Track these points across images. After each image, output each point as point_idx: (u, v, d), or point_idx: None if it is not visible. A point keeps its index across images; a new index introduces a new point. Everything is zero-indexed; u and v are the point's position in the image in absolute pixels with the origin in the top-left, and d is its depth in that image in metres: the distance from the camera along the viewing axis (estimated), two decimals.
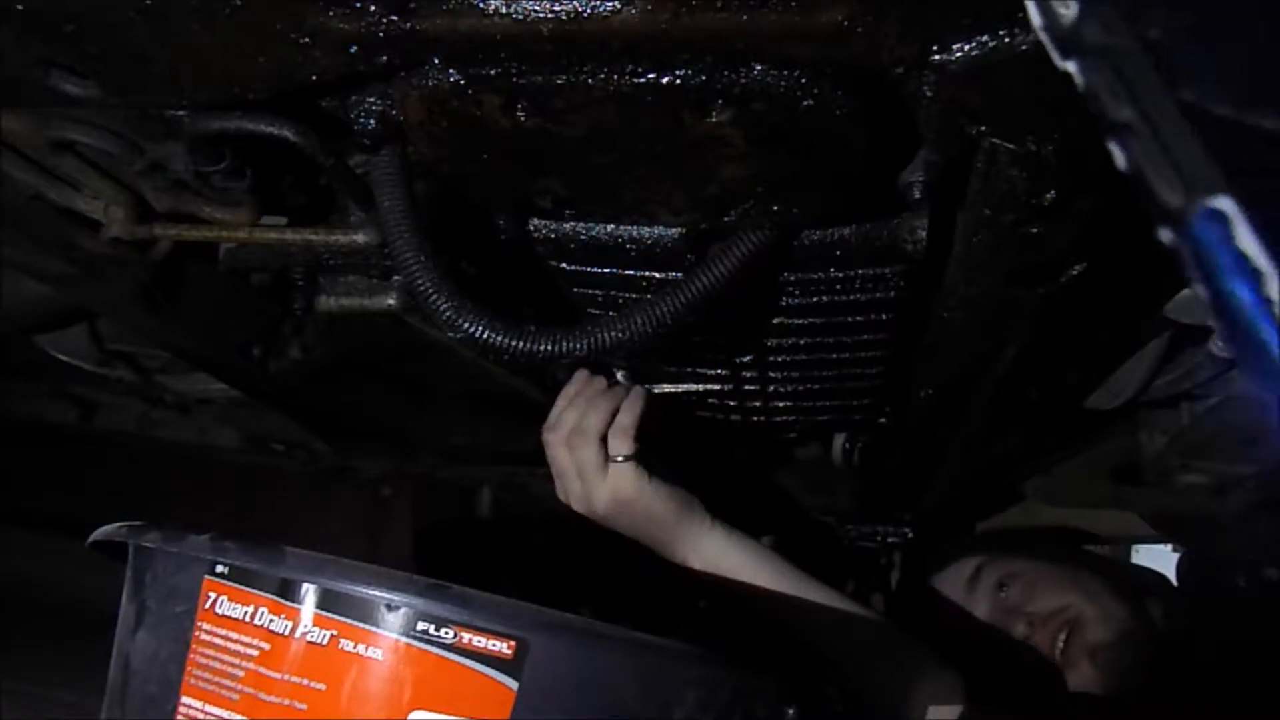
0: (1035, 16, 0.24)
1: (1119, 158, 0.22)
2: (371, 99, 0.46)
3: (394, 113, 0.46)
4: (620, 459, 0.65)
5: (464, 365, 0.72)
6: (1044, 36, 0.23)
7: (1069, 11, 0.22)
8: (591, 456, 0.65)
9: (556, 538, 1.15)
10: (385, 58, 0.39)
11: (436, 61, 0.39)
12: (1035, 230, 0.44)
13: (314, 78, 0.40)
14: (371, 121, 0.46)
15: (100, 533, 0.45)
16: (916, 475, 1.00)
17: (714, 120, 0.39)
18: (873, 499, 1.07)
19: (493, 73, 0.39)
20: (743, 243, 0.49)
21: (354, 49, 0.38)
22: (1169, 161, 0.21)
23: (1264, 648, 0.85)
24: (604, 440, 0.65)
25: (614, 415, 0.66)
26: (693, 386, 0.70)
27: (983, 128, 0.38)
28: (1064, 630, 0.84)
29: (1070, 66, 0.23)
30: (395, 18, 0.37)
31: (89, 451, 1.21)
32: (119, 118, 0.50)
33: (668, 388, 0.70)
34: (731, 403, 0.73)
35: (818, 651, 0.67)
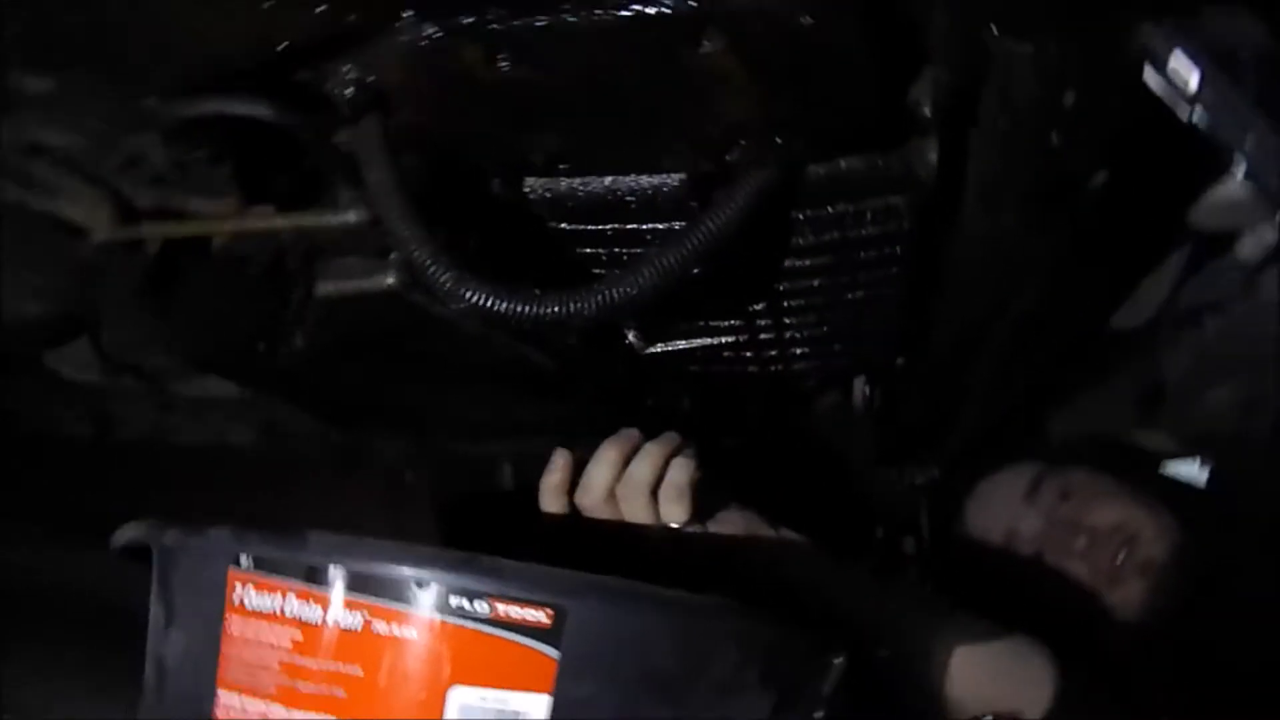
0: (1159, 89, 0.37)
1: (1241, 169, 0.36)
2: (347, 66, 0.44)
3: (372, 78, 0.44)
4: (675, 527, 0.58)
5: (471, 340, 0.71)
6: (1166, 98, 0.37)
7: (1193, 81, 0.36)
8: (640, 514, 0.57)
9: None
10: (355, 15, 0.37)
11: (409, 15, 0.37)
12: (1055, 139, 0.42)
13: (283, 45, 0.38)
14: (350, 90, 0.44)
15: (120, 535, 0.45)
16: (940, 415, 0.98)
17: (707, 50, 0.37)
18: (897, 443, 1.05)
19: (469, 21, 0.37)
20: (748, 183, 0.47)
21: (322, 8, 0.36)
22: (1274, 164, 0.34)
23: None
24: (653, 495, 0.57)
25: (664, 465, 0.58)
26: (707, 340, 0.69)
27: (996, 31, 0.36)
28: (1124, 548, 0.82)
29: (1195, 117, 0.36)
30: None
31: (107, 463, 1.21)
32: (88, 113, 0.48)
33: (681, 344, 0.68)
34: (748, 353, 0.71)
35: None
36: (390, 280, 0.63)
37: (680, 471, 0.57)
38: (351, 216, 0.57)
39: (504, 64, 0.39)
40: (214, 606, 0.39)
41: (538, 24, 0.36)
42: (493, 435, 1.12)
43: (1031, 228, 0.52)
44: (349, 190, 0.58)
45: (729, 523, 0.61)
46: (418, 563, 0.36)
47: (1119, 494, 0.87)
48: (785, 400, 0.91)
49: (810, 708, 0.45)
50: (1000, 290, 0.62)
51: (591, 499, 0.59)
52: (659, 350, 0.69)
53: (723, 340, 0.69)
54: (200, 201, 0.56)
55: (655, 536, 0.58)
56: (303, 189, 0.60)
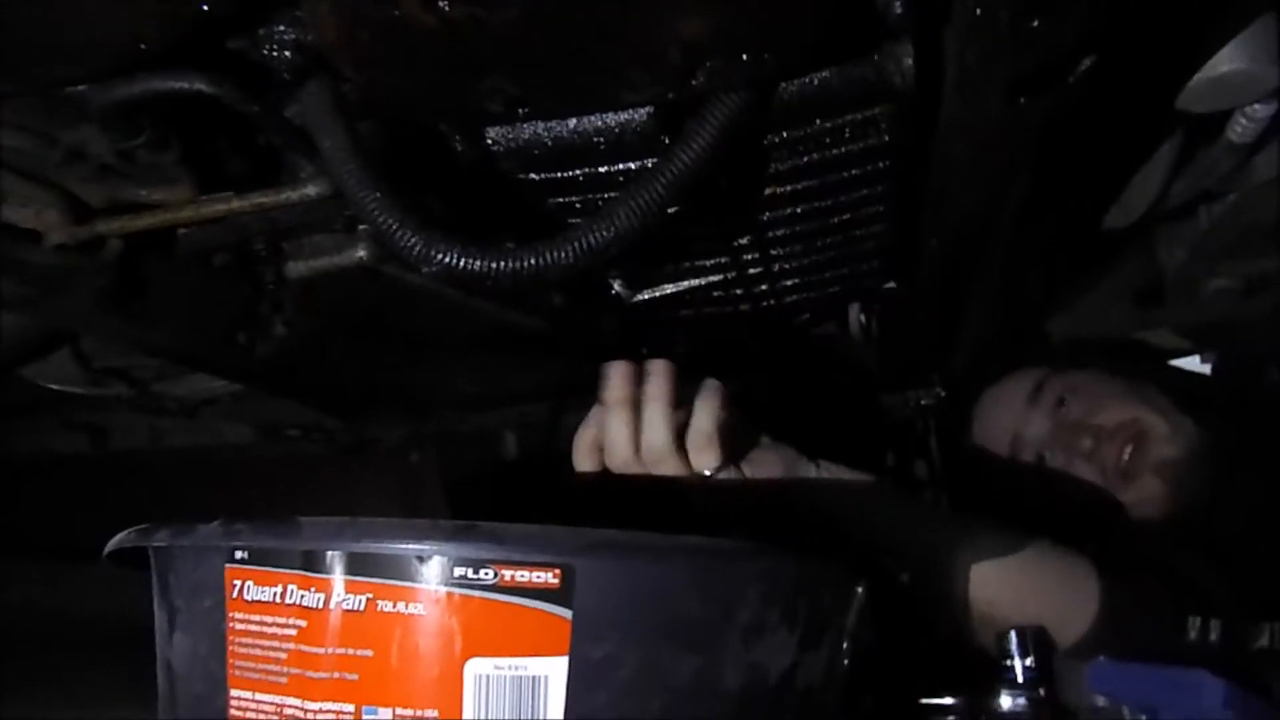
0: None
1: None
2: (281, 28, 0.42)
3: (309, 38, 0.41)
4: (709, 473, 0.54)
5: (456, 309, 0.69)
6: None
7: None
8: (670, 471, 0.54)
9: None
10: None
11: None
12: (1035, 24, 0.39)
13: (205, 8, 0.36)
14: (287, 53, 0.42)
15: (112, 543, 0.44)
16: (939, 334, 0.97)
17: None
18: (898, 367, 1.04)
19: None
20: (718, 109, 0.45)
21: None
22: None
23: None
24: (681, 447, 0.54)
25: (681, 413, 0.54)
26: (694, 282, 0.67)
27: None
28: (1130, 444, 0.81)
29: None
30: None
31: (106, 475, 1.20)
32: (20, 108, 0.45)
33: (669, 288, 0.67)
34: (738, 291, 0.69)
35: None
36: (361, 253, 0.61)
37: (705, 417, 0.54)
38: (312, 190, 0.55)
39: (444, 4, 0.36)
40: (214, 604, 0.38)
41: None
42: (490, 406, 1.11)
43: (1016, 125, 0.50)
44: (308, 165, 0.55)
45: (765, 462, 0.58)
46: (416, 536, 0.35)
47: (1124, 394, 0.86)
48: (782, 336, 0.90)
49: (837, 640, 0.44)
50: (989, 195, 0.60)
51: (619, 459, 0.55)
52: (647, 297, 0.67)
53: (710, 280, 0.67)
54: (152, 191, 0.54)
55: (690, 486, 0.55)
56: (261, 170, 0.58)
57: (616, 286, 0.65)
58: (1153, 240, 1.05)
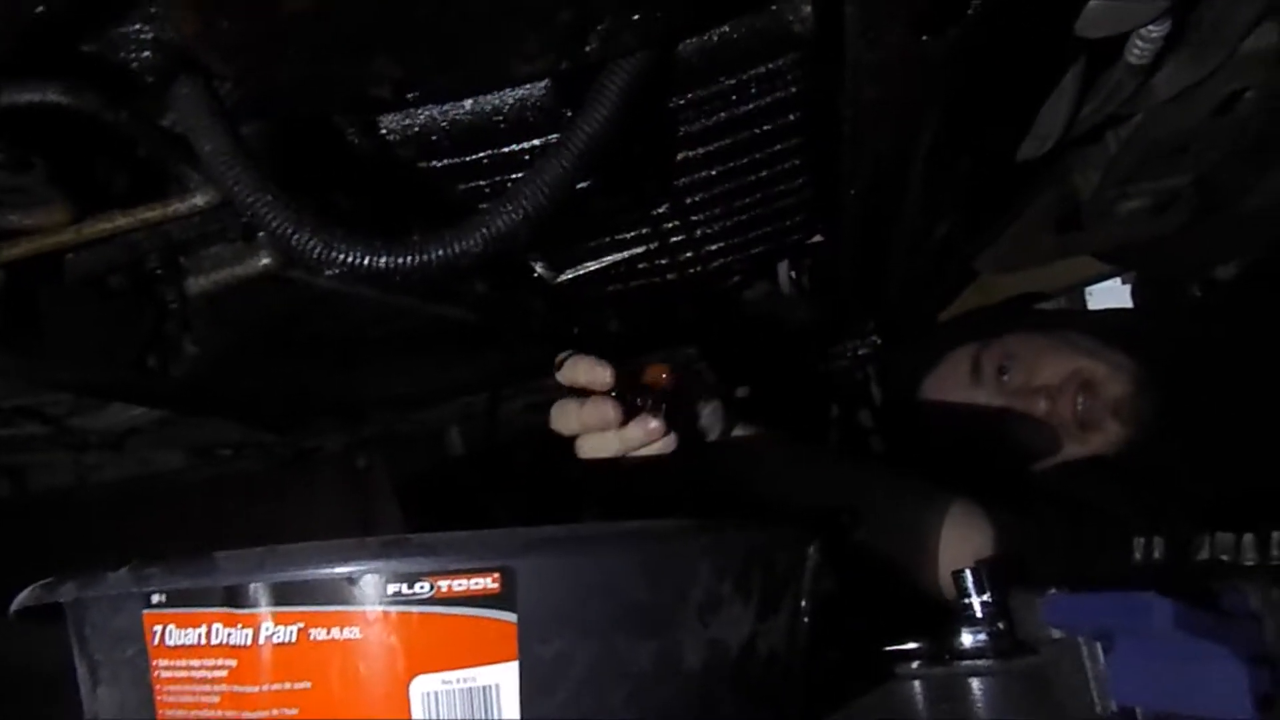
0: None
1: None
2: (137, 25, 0.38)
3: (168, 34, 0.38)
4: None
5: (373, 307, 0.66)
6: None
7: None
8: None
9: (537, 453, 1.12)
10: None
11: None
12: None
13: (40, 9, 0.32)
14: (147, 53, 0.39)
15: (17, 603, 0.41)
16: (869, 281, 0.97)
17: None
18: (833, 318, 1.04)
19: None
20: (616, 74, 0.43)
21: None
22: None
23: (1237, 349, 0.86)
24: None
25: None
26: (618, 256, 0.65)
27: None
28: (1080, 393, 0.83)
29: None
30: None
31: (30, 520, 1.14)
32: None
33: (592, 265, 0.65)
34: (663, 261, 0.68)
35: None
36: (265, 261, 0.58)
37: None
38: (200, 200, 0.51)
39: None
40: (137, 653, 0.36)
41: None
42: (427, 404, 1.08)
43: (922, 62, 0.49)
44: (194, 174, 0.52)
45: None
46: (343, 558, 0.33)
47: (1055, 348, 0.88)
48: (714, 300, 0.89)
49: (795, 603, 0.43)
50: (902, 135, 0.60)
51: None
52: (571, 277, 0.65)
53: (634, 252, 0.65)
54: (24, 216, 0.49)
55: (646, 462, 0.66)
56: (149, 183, 0.54)
57: (539, 269, 0.63)
58: (1067, 169, 1.07)
